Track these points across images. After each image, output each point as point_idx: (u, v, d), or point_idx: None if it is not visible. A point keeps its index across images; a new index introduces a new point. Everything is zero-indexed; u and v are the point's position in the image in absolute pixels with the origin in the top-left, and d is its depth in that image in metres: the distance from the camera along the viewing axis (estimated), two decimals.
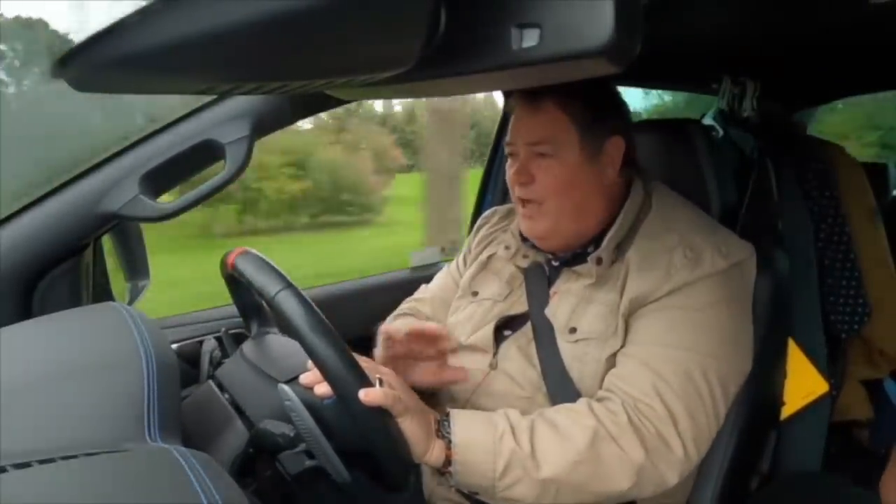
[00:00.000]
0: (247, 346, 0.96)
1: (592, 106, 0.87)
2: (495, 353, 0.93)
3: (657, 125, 1.22)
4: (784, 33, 1.09)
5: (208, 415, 0.86)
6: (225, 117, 0.92)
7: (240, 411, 0.84)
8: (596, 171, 0.88)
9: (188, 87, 0.48)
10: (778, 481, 1.15)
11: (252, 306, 1.00)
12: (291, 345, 0.87)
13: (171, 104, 0.98)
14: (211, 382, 0.93)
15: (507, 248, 1.01)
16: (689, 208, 0.94)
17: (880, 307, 1.29)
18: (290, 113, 0.99)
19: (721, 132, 1.38)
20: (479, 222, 1.14)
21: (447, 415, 0.74)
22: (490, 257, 1.05)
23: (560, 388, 0.85)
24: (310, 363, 0.69)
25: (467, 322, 0.98)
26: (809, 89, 1.77)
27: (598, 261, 0.87)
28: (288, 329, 0.69)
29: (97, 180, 0.91)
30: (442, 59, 0.48)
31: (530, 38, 0.44)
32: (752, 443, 0.96)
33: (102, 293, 1.00)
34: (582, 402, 0.79)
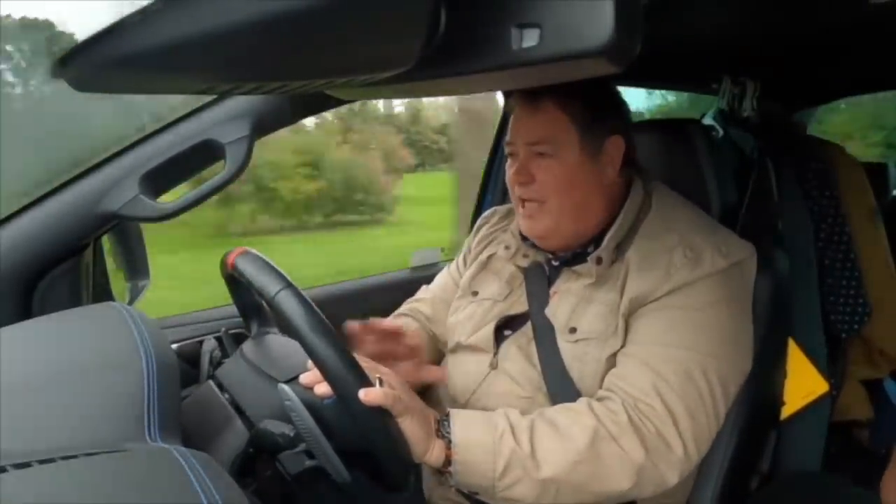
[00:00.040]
0: (247, 346, 0.95)
1: (592, 106, 0.87)
2: (495, 353, 0.93)
3: (657, 125, 1.22)
4: (784, 33, 1.09)
5: (208, 415, 0.86)
6: (225, 117, 0.92)
7: (240, 411, 0.84)
8: (596, 171, 0.88)
9: (188, 87, 0.48)
10: (778, 481, 1.15)
11: (252, 306, 1.00)
12: (291, 345, 0.86)
13: (173, 104, 0.98)
14: (211, 382, 0.93)
15: (507, 247, 1.01)
16: (689, 208, 0.94)
17: (880, 307, 1.29)
18: (290, 113, 0.99)
19: (721, 132, 1.38)
20: (479, 222, 1.14)
21: (447, 415, 0.74)
22: (490, 257, 1.05)
23: (560, 387, 0.85)
24: (310, 363, 0.69)
25: (467, 322, 0.98)
26: (809, 89, 1.77)
27: (598, 260, 0.87)
28: (288, 329, 0.69)
29: (97, 180, 0.91)
30: (442, 59, 0.48)
31: (530, 38, 0.44)
32: (752, 442, 0.96)
33: (102, 293, 1.00)
34: (582, 401, 0.79)
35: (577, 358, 0.85)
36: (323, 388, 0.69)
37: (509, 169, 0.91)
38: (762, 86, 1.38)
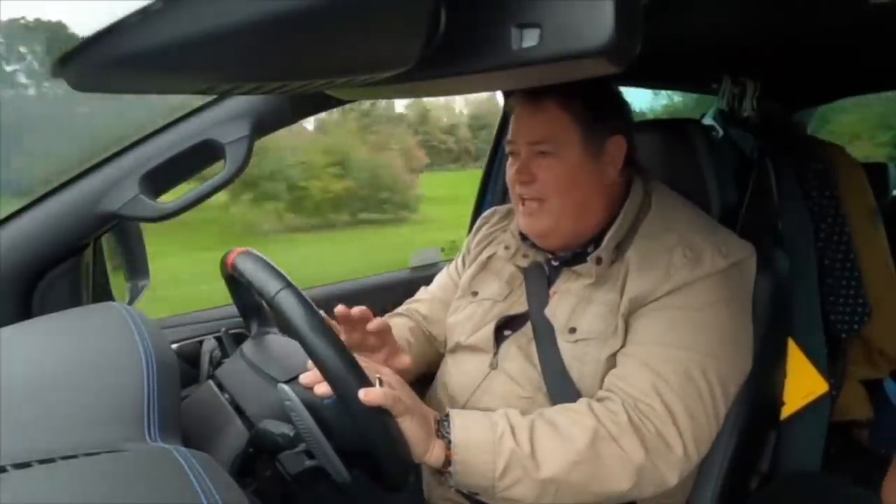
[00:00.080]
0: (247, 346, 0.96)
1: (594, 105, 0.87)
2: (495, 353, 0.93)
3: (657, 125, 1.22)
4: (784, 33, 1.09)
5: (208, 415, 0.86)
6: (225, 117, 0.92)
7: (240, 411, 0.84)
8: (597, 171, 0.88)
9: (188, 87, 0.48)
10: (778, 481, 1.15)
11: (252, 306, 1.00)
12: (291, 345, 0.86)
13: (173, 105, 0.98)
14: (211, 382, 0.93)
15: (506, 247, 1.01)
16: (689, 208, 0.94)
17: (880, 307, 1.29)
18: (291, 113, 0.99)
19: (721, 132, 1.38)
20: (478, 222, 1.14)
21: (447, 415, 0.74)
22: (490, 257, 1.05)
23: (560, 387, 0.85)
24: (310, 363, 0.69)
25: (467, 322, 0.98)
26: (809, 89, 1.77)
27: (598, 260, 0.87)
28: (288, 329, 0.69)
29: (97, 180, 0.91)
30: (442, 59, 0.48)
31: (530, 38, 0.44)
32: (752, 443, 0.96)
33: (102, 293, 1.00)
34: (582, 401, 0.79)
35: (576, 358, 0.85)
36: (323, 388, 0.69)
37: (510, 168, 0.91)
38: (762, 86, 1.38)
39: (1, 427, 0.54)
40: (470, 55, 0.47)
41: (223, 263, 0.86)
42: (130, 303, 1.08)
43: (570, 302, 0.89)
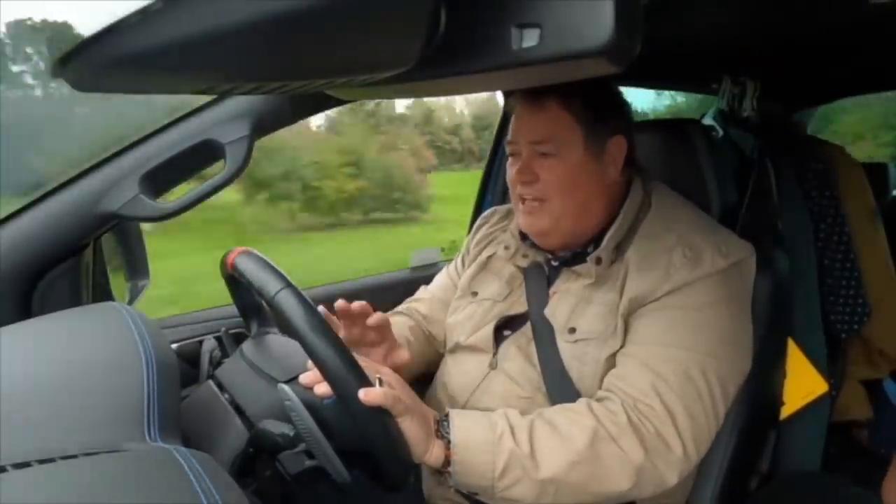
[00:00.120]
0: (247, 346, 0.96)
1: (595, 105, 0.87)
2: (495, 353, 0.93)
3: (657, 125, 1.22)
4: (784, 33, 1.09)
5: (208, 415, 0.86)
6: (225, 117, 0.92)
7: (240, 411, 0.84)
8: (598, 171, 0.88)
9: (188, 87, 0.48)
10: (778, 481, 1.15)
11: (252, 306, 1.00)
12: (291, 345, 0.87)
13: (173, 105, 0.98)
14: (211, 382, 0.93)
15: (506, 248, 1.01)
16: (689, 208, 0.94)
17: (880, 307, 1.29)
18: (291, 113, 0.99)
19: (721, 132, 1.38)
20: (478, 222, 1.14)
21: (446, 415, 0.74)
22: (490, 257, 1.04)
23: (559, 388, 0.85)
24: (310, 363, 0.69)
25: (467, 322, 0.98)
26: (809, 89, 1.77)
27: (598, 261, 0.87)
28: (288, 329, 0.69)
29: (97, 180, 0.91)
30: (442, 59, 0.48)
31: (530, 38, 0.44)
32: (752, 443, 0.96)
33: (102, 293, 1.00)
34: (581, 402, 0.79)
35: (576, 358, 0.85)
36: (323, 388, 0.69)
37: (511, 168, 0.91)
38: (762, 86, 1.38)
39: (1, 427, 0.54)
40: (470, 55, 0.47)
41: (223, 263, 0.86)
42: (130, 303, 1.08)
43: (569, 302, 0.89)
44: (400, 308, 1.15)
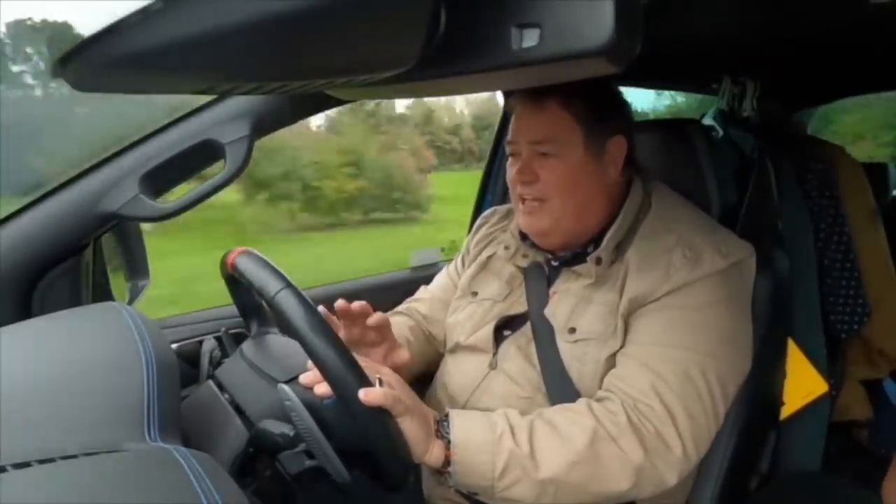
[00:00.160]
0: (247, 346, 0.96)
1: (595, 105, 0.87)
2: (495, 353, 0.93)
3: (657, 125, 1.22)
4: (784, 33, 1.09)
5: (208, 415, 0.86)
6: (225, 117, 0.92)
7: (240, 411, 0.84)
8: (599, 171, 0.88)
9: (188, 87, 0.48)
10: (778, 481, 1.15)
11: (252, 306, 1.00)
12: (291, 345, 0.87)
13: (173, 105, 0.98)
14: (211, 382, 0.93)
15: (506, 247, 1.01)
16: (689, 208, 0.94)
17: (880, 307, 1.29)
18: (291, 113, 0.99)
19: (721, 132, 1.38)
20: (478, 222, 1.14)
21: (446, 415, 0.74)
22: (490, 257, 1.04)
23: (559, 388, 0.85)
24: (310, 363, 0.69)
25: (467, 322, 0.98)
26: (809, 89, 1.77)
27: (598, 261, 0.87)
28: (288, 329, 0.69)
29: (97, 180, 0.91)
30: (442, 59, 0.48)
31: (530, 38, 0.44)
32: (752, 443, 0.96)
33: (102, 293, 1.00)
34: (581, 402, 0.79)
35: (576, 358, 0.85)
36: (323, 389, 0.69)
37: (511, 168, 0.91)
38: (762, 86, 1.38)
39: (1, 427, 0.54)
40: (470, 55, 0.47)
41: (223, 263, 0.86)
42: (130, 303, 1.08)
43: (569, 302, 0.89)
44: (400, 308, 1.15)
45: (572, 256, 0.93)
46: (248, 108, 0.93)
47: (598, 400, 0.79)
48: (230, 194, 7.44)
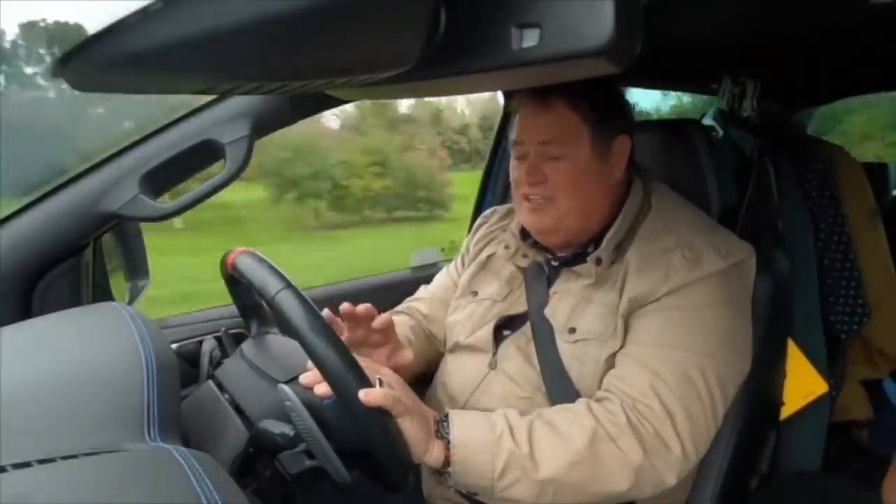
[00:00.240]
0: (247, 346, 0.96)
1: (601, 105, 0.87)
2: (494, 353, 0.93)
3: (657, 125, 1.22)
4: (784, 33, 1.08)
5: (208, 415, 0.86)
6: (225, 117, 0.92)
7: (240, 411, 0.84)
8: (604, 171, 0.88)
9: (188, 87, 0.48)
10: (778, 481, 1.15)
11: (252, 306, 1.00)
12: (291, 345, 0.87)
13: (173, 105, 0.99)
14: (211, 382, 0.93)
15: (506, 247, 1.01)
16: (689, 209, 0.94)
17: (880, 307, 1.29)
18: (291, 113, 0.99)
19: (721, 132, 1.38)
20: (478, 222, 1.14)
21: (446, 415, 0.74)
22: (489, 257, 1.04)
23: (559, 388, 0.85)
24: (310, 363, 0.69)
25: (467, 322, 0.98)
26: (809, 89, 1.77)
27: (598, 261, 0.87)
28: (288, 329, 0.69)
29: (97, 180, 0.91)
30: (442, 59, 0.48)
31: (530, 38, 0.44)
32: (752, 443, 0.96)
33: (102, 293, 1.00)
34: (581, 402, 0.79)
35: (576, 358, 0.85)
36: (323, 389, 0.69)
37: (515, 170, 0.91)
38: (762, 86, 1.38)
39: (1, 427, 0.54)
40: (470, 55, 0.47)
41: (223, 263, 0.86)
42: (130, 303, 1.08)
43: (569, 302, 0.89)
44: (401, 307, 1.15)
45: (572, 256, 0.93)
46: (248, 108, 0.93)
47: (598, 400, 0.79)
48: (257, 192, 7.83)
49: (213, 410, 0.86)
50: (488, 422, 0.74)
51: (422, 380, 1.06)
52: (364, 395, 0.65)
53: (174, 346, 1.15)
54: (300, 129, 8.11)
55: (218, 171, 0.89)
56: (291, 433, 0.75)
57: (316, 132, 8.53)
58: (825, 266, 1.28)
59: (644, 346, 0.81)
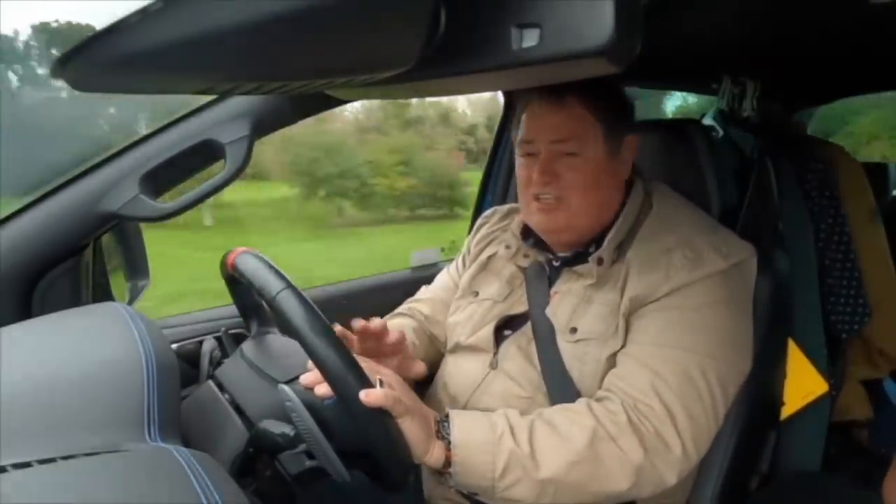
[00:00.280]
0: (247, 346, 0.96)
1: (612, 103, 0.87)
2: (495, 353, 0.93)
3: (657, 125, 1.22)
4: (784, 33, 1.08)
5: (208, 415, 0.86)
6: (225, 117, 0.92)
7: (240, 411, 0.84)
8: (615, 170, 0.88)
9: (188, 87, 0.48)
10: (778, 481, 1.15)
11: (252, 306, 1.00)
12: (291, 345, 0.87)
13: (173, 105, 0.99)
14: (211, 382, 0.93)
15: (507, 247, 1.00)
16: (690, 209, 0.94)
17: (880, 307, 1.29)
18: (290, 113, 0.99)
19: (721, 132, 1.38)
20: (478, 222, 1.14)
21: (447, 415, 0.74)
22: (490, 257, 1.04)
23: (560, 388, 0.85)
24: (310, 363, 0.69)
25: (467, 322, 0.98)
26: (809, 89, 1.77)
27: (599, 261, 0.87)
28: (288, 329, 0.69)
29: (97, 180, 0.91)
30: (442, 59, 0.48)
31: (530, 38, 0.44)
32: (752, 443, 0.96)
33: (102, 293, 1.00)
34: (581, 402, 0.79)
35: (577, 358, 0.85)
36: (323, 389, 0.69)
37: (523, 169, 0.89)
38: (762, 86, 1.38)
39: (1, 427, 0.54)
40: (470, 55, 0.47)
41: (223, 264, 0.86)
42: (130, 303, 1.08)
43: (570, 302, 0.89)
44: (401, 309, 1.15)
45: (573, 256, 0.92)
46: (248, 108, 0.93)
47: (598, 400, 0.79)
48: (282, 190, 8.14)
49: (214, 410, 0.86)
50: (489, 422, 0.74)
51: (422, 380, 1.06)
52: (364, 395, 0.65)
53: (174, 346, 1.15)
54: (327, 129, 8.51)
55: (218, 171, 0.89)
56: (291, 433, 0.75)
57: (344, 131, 8.89)
58: (825, 266, 1.28)
59: (645, 345, 0.81)
